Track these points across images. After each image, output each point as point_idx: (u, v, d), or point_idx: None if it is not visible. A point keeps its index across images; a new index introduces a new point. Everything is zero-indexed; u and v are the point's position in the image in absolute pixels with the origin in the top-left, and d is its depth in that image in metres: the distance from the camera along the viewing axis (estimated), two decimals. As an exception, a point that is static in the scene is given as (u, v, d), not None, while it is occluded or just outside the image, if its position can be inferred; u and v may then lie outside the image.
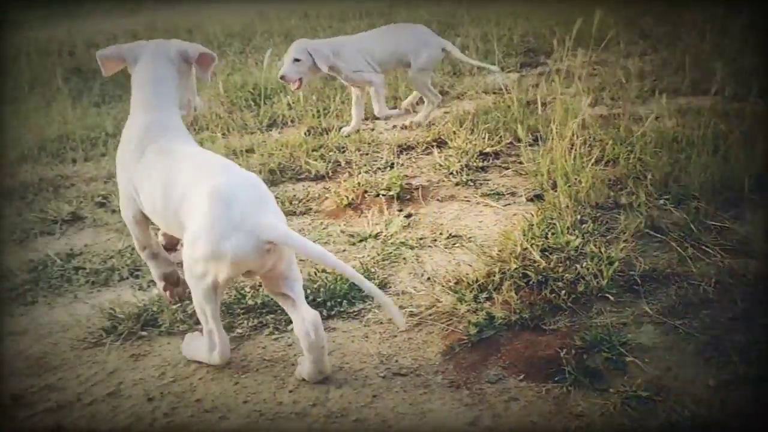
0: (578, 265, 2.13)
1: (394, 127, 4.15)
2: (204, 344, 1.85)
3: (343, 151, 3.70)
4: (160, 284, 2.17)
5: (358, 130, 4.02)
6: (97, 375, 1.91)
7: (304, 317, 1.73)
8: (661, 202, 2.63)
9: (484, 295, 2.07)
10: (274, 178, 3.43)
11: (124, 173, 2.03)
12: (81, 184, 3.59)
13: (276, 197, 3.10)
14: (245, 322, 2.11)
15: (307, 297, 2.15)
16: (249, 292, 2.25)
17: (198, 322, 1.97)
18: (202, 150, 2.03)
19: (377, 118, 4.34)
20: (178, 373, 1.89)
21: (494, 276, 2.13)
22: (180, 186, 1.81)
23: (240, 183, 1.77)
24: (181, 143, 1.99)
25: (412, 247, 2.53)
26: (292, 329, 2.04)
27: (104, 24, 9.54)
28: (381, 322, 2.06)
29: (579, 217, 2.51)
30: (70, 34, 8.02)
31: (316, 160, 3.55)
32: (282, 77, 3.69)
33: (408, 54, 3.93)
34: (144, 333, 2.09)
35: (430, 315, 2.06)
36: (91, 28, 8.99)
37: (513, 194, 2.94)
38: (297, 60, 3.66)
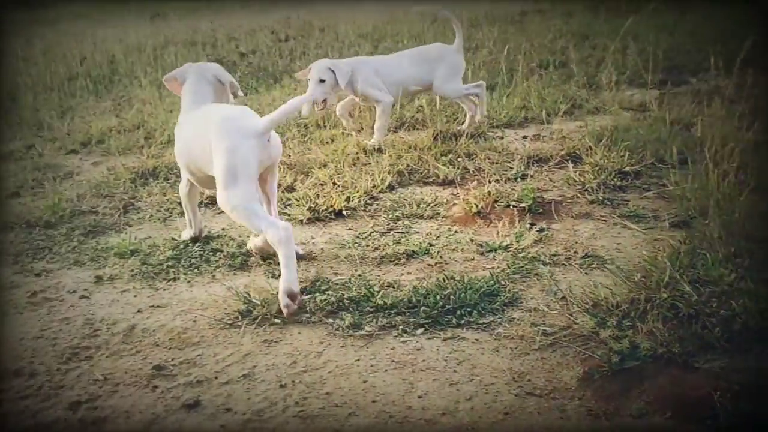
0: (733, 302, 1.96)
1: (525, 137, 4.05)
2: (258, 237, 2.46)
3: (473, 158, 3.65)
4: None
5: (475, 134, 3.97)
6: (233, 356, 1.98)
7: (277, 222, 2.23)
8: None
9: (627, 322, 1.96)
10: (402, 179, 3.44)
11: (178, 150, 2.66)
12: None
13: (403, 200, 3.14)
14: (374, 320, 2.11)
15: (435, 303, 2.14)
16: (378, 292, 2.25)
17: (328, 314, 2.01)
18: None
19: (505, 127, 4.27)
20: (309, 364, 1.92)
21: (639, 303, 2.01)
22: (201, 134, 2.40)
23: (234, 109, 2.46)
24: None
25: (544, 263, 2.44)
26: (420, 332, 2.04)
27: (243, 19, 10.01)
28: (512, 338, 2.00)
29: (732, 249, 2.32)
30: (213, 28, 8.49)
31: (444, 165, 3.53)
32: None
33: (424, 76, 3.98)
34: (277, 320, 2.14)
35: (565, 336, 1.97)
36: (232, 23, 9.47)
37: (655, 218, 2.77)
38: (322, 81, 3.66)
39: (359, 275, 2.43)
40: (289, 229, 2.17)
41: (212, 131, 2.32)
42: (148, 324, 2.19)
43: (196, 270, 2.58)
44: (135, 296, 2.41)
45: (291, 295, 2.10)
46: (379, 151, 3.82)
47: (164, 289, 2.45)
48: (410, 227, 2.88)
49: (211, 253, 2.70)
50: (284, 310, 2.11)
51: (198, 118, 2.50)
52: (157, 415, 1.73)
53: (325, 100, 3.70)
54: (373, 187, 3.31)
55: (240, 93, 2.81)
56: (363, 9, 10.25)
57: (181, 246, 2.78)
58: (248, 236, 2.77)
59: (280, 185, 3.35)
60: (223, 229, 2.97)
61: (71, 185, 3.70)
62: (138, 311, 2.29)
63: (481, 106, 4.23)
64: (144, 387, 1.85)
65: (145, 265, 2.62)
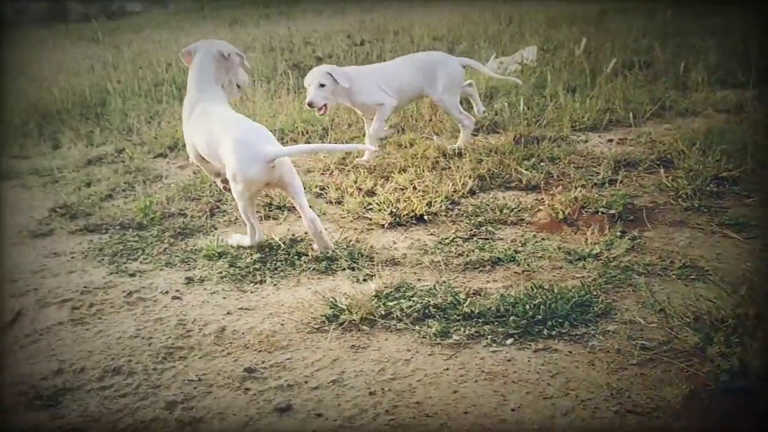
0: None
1: (611, 141, 3.91)
2: (247, 235, 2.82)
3: (556, 163, 3.55)
4: (222, 184, 3.03)
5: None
6: (321, 361, 1.99)
7: (306, 216, 2.70)
8: None
9: (734, 338, 1.84)
10: (483, 184, 3.39)
11: (185, 128, 3.02)
12: (300, 175, 3.81)
13: (485, 205, 3.08)
14: (461, 329, 2.07)
15: (525, 312, 2.09)
16: (465, 300, 2.21)
17: (414, 320, 2.00)
18: (229, 110, 2.89)
19: (589, 130, 4.14)
20: (397, 371, 1.90)
21: (747, 319, 1.89)
22: (215, 136, 2.74)
23: (250, 130, 2.71)
24: (216, 107, 2.87)
25: (639, 273, 2.33)
26: (510, 343, 1.99)
27: (318, 24, 10.16)
28: (608, 351, 1.91)
29: None
30: (290, 32, 8.65)
31: (527, 169, 3.45)
32: (309, 104, 3.66)
33: (423, 82, 3.84)
34: (364, 326, 2.14)
35: (665, 351, 1.87)
36: (307, 27, 9.62)
37: (758, 227, 2.61)
38: (322, 85, 3.64)
39: (444, 282, 2.40)
40: (261, 239, 2.82)
41: (227, 146, 2.67)
42: (237, 326, 2.23)
43: (281, 273, 2.62)
44: (224, 298, 2.46)
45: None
46: (460, 155, 3.77)
47: (252, 292, 2.49)
48: (494, 233, 2.83)
49: (295, 257, 2.72)
50: None
51: (215, 122, 2.79)
52: (250, 418, 1.75)
53: (325, 105, 3.69)
54: (455, 191, 3.27)
55: (247, 66, 3.12)
56: (437, 11, 10.22)
57: (267, 249, 2.83)
58: (332, 242, 2.79)
59: (360, 189, 3.37)
60: (306, 233, 3.00)
61: (160, 188, 3.83)
62: (227, 313, 2.33)
63: (477, 105, 4.17)
64: (236, 389, 1.88)
65: (233, 268, 2.68)
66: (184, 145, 4.67)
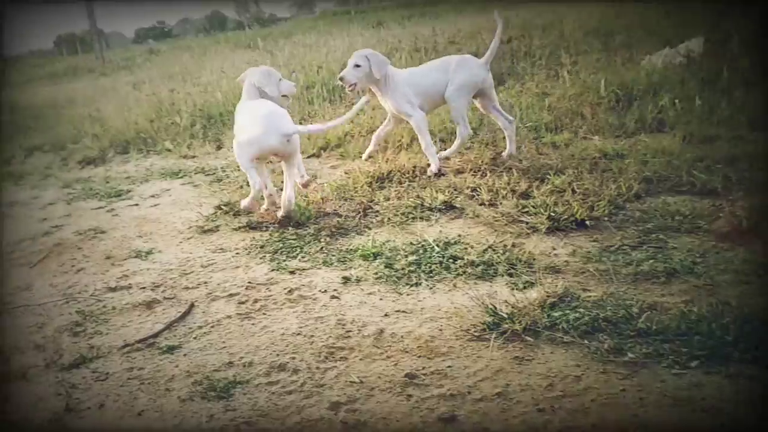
0: None
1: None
2: (251, 192, 3.40)
3: (734, 165, 3.21)
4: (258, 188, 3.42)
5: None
6: (484, 371, 1.92)
7: (289, 189, 3.36)
8: None
9: None
10: (649, 187, 3.14)
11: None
12: (450, 175, 3.76)
13: (654, 210, 2.85)
14: (637, 347, 1.91)
15: (711, 332, 1.88)
16: (639, 315, 2.04)
17: (582, 334, 1.86)
18: (257, 102, 3.50)
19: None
20: (567, 389, 1.78)
21: None
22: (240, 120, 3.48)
23: (274, 111, 3.34)
24: (248, 102, 3.55)
25: None
26: (696, 365, 1.80)
27: (463, 23, 10.07)
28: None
29: None
30: (435, 32, 8.63)
31: (701, 172, 3.15)
32: (341, 78, 3.87)
33: (447, 82, 3.87)
34: (528, 337, 2.04)
35: None
36: (451, 27, 9.55)
37: None
38: (357, 66, 3.81)
39: (612, 293, 2.23)
40: (262, 191, 3.40)
41: (258, 122, 3.28)
42: (395, 329, 2.22)
43: (437, 276, 2.57)
44: (381, 299, 2.46)
45: (245, 209, 3.54)
46: (622, 155, 3.53)
47: (407, 294, 2.47)
48: (666, 242, 2.60)
49: (450, 260, 2.67)
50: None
51: (251, 109, 3.44)
52: (414, 426, 1.72)
53: (355, 84, 3.83)
54: (618, 195, 3.06)
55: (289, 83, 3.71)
56: (587, 3, 9.74)
57: (420, 251, 2.80)
58: (487, 245, 2.72)
59: (514, 191, 3.26)
60: (459, 235, 2.94)
61: (314, 188, 3.94)
62: (385, 315, 2.33)
63: (511, 144, 3.94)
64: (398, 394, 1.86)
65: (388, 269, 2.68)
66: (335, 145, 4.83)
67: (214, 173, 4.68)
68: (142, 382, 2.07)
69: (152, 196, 4.37)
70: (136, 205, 4.22)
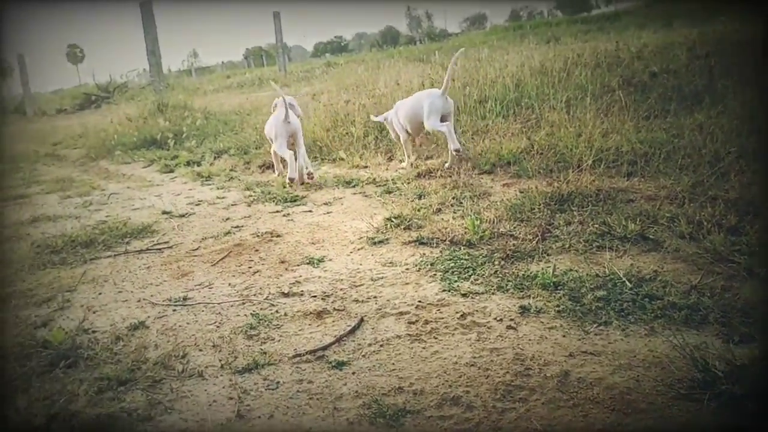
0: None
1: None
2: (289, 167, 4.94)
3: None
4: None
5: None
6: (695, 439, 1.62)
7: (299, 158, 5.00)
8: None
9: None
10: None
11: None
12: (641, 201, 3.40)
13: None
14: None
15: None
16: None
17: None
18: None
19: None
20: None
21: None
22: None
23: (280, 114, 5.06)
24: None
25: None
26: None
27: (644, 38, 9.37)
28: None
29: None
30: (618, 47, 8.09)
31: None
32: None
33: (419, 112, 4.87)
34: (752, 405, 1.70)
35: None
36: (636, 42, 8.91)
37: None
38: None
39: None
40: (292, 158, 4.88)
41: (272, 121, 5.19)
42: (583, 373, 1.97)
43: (630, 317, 2.28)
44: (564, 336, 2.22)
45: (291, 179, 4.89)
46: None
47: (595, 334, 2.21)
48: None
49: (646, 300, 2.36)
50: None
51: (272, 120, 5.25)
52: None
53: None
54: None
55: (297, 109, 5.32)
56: None
57: (609, 285, 2.51)
58: (690, 286, 2.36)
59: (720, 224, 2.83)
60: (655, 271, 2.60)
61: (487, 206, 3.76)
62: (569, 355, 2.09)
63: (451, 142, 4.65)
64: (589, 453, 1.62)
65: (572, 302, 2.42)
66: (507, 163, 4.62)
67: (385, 185, 4.67)
68: (311, 397, 2.01)
69: (325, 204, 4.45)
70: (310, 211, 4.31)
